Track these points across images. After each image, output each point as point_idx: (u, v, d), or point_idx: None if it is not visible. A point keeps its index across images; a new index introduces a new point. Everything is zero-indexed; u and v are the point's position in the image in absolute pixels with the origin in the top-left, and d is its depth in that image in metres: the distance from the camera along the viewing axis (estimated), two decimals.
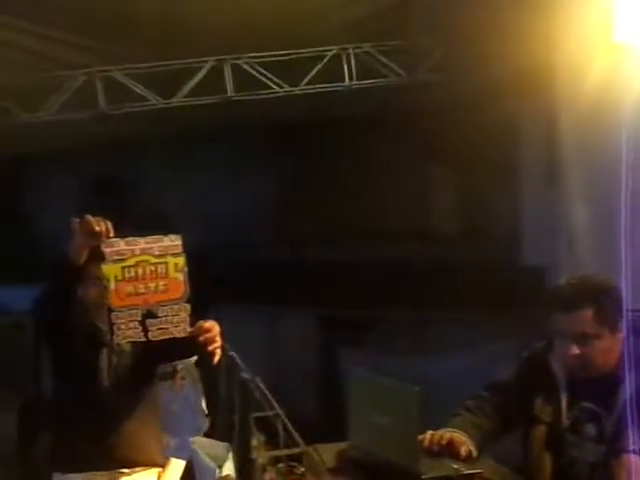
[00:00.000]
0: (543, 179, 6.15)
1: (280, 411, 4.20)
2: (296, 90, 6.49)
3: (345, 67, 6.42)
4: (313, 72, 6.36)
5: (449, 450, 2.11)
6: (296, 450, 3.86)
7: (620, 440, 2.09)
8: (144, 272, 2.53)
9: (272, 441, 4.21)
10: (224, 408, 4.40)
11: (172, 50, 5.95)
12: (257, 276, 7.98)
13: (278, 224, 8.75)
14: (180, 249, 2.61)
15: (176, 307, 2.60)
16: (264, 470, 3.90)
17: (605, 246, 4.79)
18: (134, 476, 2.80)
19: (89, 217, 2.55)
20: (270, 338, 8.10)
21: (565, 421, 2.20)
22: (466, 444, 2.14)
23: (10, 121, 6.08)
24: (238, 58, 6.32)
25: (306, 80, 6.40)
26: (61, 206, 9.41)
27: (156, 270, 2.54)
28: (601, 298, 2.18)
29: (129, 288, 2.51)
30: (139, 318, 2.55)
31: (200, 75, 6.26)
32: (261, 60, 6.32)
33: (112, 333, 2.56)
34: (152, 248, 2.55)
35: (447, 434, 2.16)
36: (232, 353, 4.66)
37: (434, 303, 6.99)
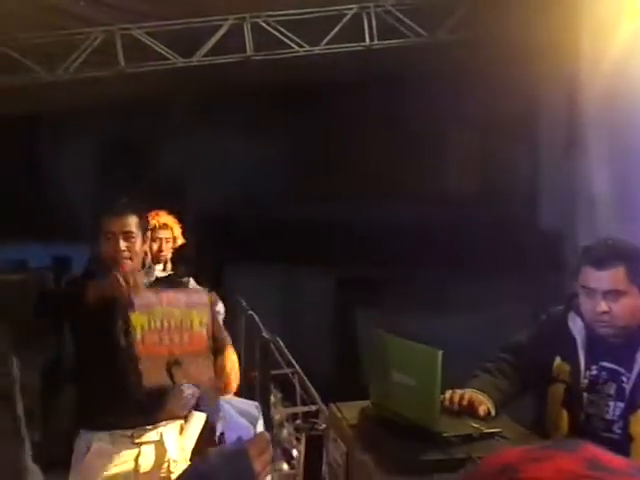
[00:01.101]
0: (563, 144, 6.12)
1: (298, 369, 4.28)
2: (316, 50, 6.44)
3: (366, 26, 6.36)
4: (333, 32, 6.31)
5: (468, 409, 2.16)
6: (313, 407, 3.94)
7: (639, 396, 2.15)
8: (169, 324, 2.58)
9: (289, 398, 4.30)
10: (244, 366, 4.49)
11: (192, 8, 5.92)
12: (275, 236, 8.03)
13: (297, 184, 8.77)
14: (206, 303, 2.65)
15: (200, 359, 2.64)
16: (281, 426, 3.99)
17: (624, 210, 4.80)
18: (157, 430, 2.87)
19: (117, 275, 2.59)
20: (287, 297, 8.18)
21: (583, 380, 2.25)
22: (485, 404, 2.19)
23: (30, 79, 6.09)
24: (258, 16, 6.27)
25: (326, 40, 6.35)
26: (78, 165, 9.47)
27: (181, 323, 2.59)
28: (633, 257, 2.23)
29: (155, 338, 2.56)
30: (165, 365, 2.60)
31: (220, 34, 6.23)
32: (281, 19, 6.27)
33: (140, 376, 2.62)
34: (178, 301, 2.60)
35: (467, 394, 2.21)
36: (251, 312, 4.74)
37: (451, 264, 7.02)
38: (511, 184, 7.53)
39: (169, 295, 2.60)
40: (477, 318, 6.89)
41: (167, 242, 4.25)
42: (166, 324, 2.56)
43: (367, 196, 8.10)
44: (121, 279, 2.57)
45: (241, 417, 1.46)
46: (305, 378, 4.12)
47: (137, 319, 2.54)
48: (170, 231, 4.26)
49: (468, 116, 7.56)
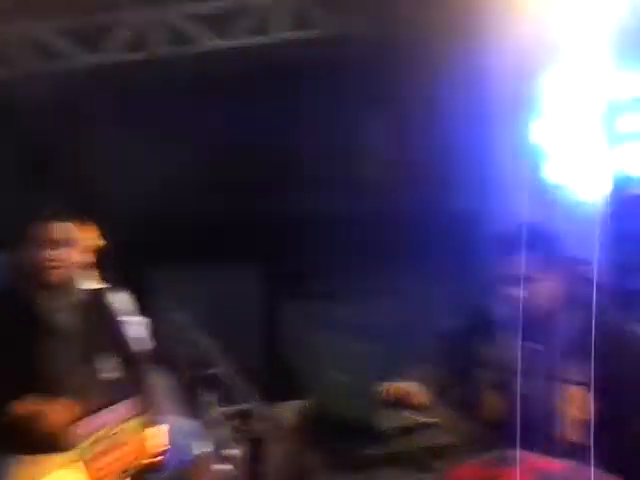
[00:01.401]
0: (466, 124, 6.23)
1: (230, 368, 4.26)
2: (226, 43, 6.37)
3: (277, 18, 6.32)
4: (243, 24, 6.26)
5: (405, 400, 2.20)
6: (248, 406, 3.93)
7: (562, 373, 2.23)
8: (109, 443, 2.60)
9: (224, 398, 4.27)
10: (173, 368, 4.43)
11: (97, 3, 5.78)
12: (198, 234, 7.93)
13: (212, 178, 8.67)
14: (135, 413, 2.66)
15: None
16: (217, 426, 3.97)
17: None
18: None
19: (57, 405, 2.53)
20: (212, 294, 8.10)
21: (511, 362, 2.33)
22: (420, 394, 2.24)
23: None
24: (165, 11, 6.17)
25: (236, 32, 6.30)
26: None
27: (117, 439, 2.62)
28: (543, 242, 2.29)
29: (99, 464, 2.58)
30: None
31: (126, 30, 6.10)
32: (190, 12, 6.18)
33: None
34: (109, 419, 2.61)
35: (403, 386, 2.25)
36: (178, 313, 4.68)
37: (371, 252, 7.09)
38: (423, 168, 7.61)
39: (102, 418, 2.61)
40: (402, 305, 6.99)
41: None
42: (107, 446, 2.60)
43: (284, 187, 8.07)
44: (53, 416, 2.53)
45: (181, 438, 1.43)
46: (238, 377, 4.11)
47: (80, 453, 2.54)
48: (85, 235, 4.17)
49: (379, 102, 7.61)
